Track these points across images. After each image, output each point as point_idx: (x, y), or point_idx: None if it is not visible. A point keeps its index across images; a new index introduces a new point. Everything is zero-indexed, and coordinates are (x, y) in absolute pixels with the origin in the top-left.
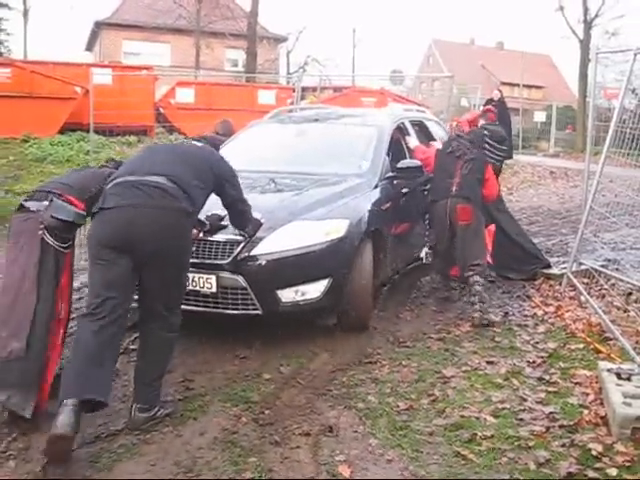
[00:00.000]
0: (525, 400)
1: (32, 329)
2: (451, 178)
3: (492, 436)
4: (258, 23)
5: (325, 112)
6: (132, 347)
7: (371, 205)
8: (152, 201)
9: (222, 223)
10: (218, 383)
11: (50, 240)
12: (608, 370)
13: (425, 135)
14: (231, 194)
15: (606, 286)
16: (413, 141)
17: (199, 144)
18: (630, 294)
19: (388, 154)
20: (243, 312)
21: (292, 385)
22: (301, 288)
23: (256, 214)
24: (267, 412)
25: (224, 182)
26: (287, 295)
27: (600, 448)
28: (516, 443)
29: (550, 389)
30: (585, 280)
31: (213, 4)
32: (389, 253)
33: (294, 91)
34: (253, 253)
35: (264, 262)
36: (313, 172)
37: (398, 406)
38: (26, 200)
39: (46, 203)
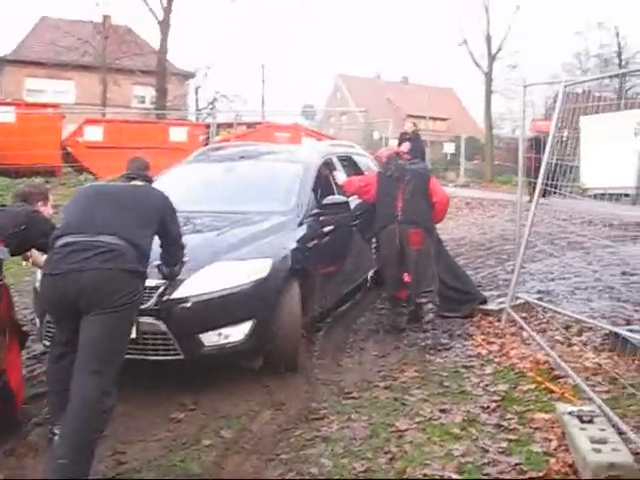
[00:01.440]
0: (487, 451)
1: None
2: (395, 202)
3: None
4: (166, 59)
5: (251, 149)
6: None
7: (296, 243)
8: (102, 263)
9: None
10: (153, 454)
11: None
12: (569, 413)
13: (354, 170)
14: (173, 231)
15: (545, 320)
16: (341, 176)
17: (139, 184)
18: (568, 327)
19: (314, 190)
20: (164, 358)
21: (236, 451)
22: (224, 331)
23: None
24: None
25: (167, 221)
26: (210, 339)
27: None
28: None
29: (510, 437)
30: (523, 314)
31: (119, 40)
32: (317, 290)
33: (207, 127)
34: (173, 296)
35: (185, 305)
36: (237, 210)
37: (354, 468)
38: None
39: None
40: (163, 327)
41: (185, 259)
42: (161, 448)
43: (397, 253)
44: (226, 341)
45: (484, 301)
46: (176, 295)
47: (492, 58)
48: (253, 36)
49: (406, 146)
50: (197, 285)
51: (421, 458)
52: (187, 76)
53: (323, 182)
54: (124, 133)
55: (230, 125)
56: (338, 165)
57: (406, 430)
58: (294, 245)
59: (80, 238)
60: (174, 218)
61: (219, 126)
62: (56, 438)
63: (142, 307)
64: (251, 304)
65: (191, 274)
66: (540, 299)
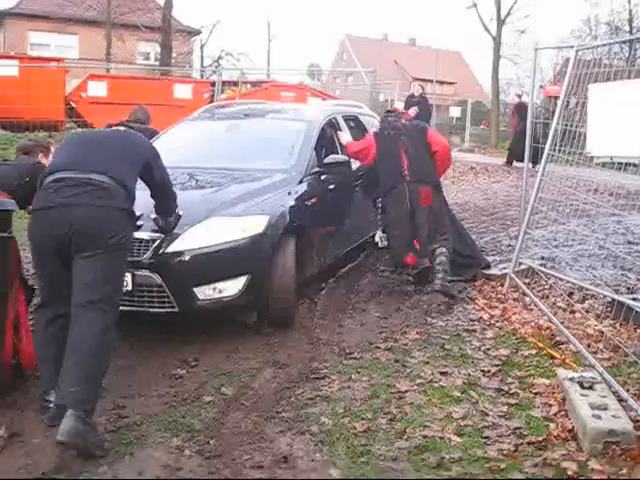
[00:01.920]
0: (487, 415)
1: None
2: (399, 161)
3: (461, 459)
4: (172, 15)
5: (256, 108)
6: None
7: (294, 200)
8: (94, 200)
9: (138, 222)
10: (154, 409)
11: None
12: (570, 379)
13: (361, 131)
14: (158, 177)
15: (547, 286)
16: (345, 136)
17: (122, 129)
18: (571, 294)
19: (316, 149)
20: (159, 310)
21: (236, 408)
22: (219, 285)
23: (178, 210)
24: (212, 442)
25: (153, 166)
26: (204, 292)
27: (574, 467)
28: (487, 465)
29: (511, 401)
30: (526, 280)
31: None
32: (315, 248)
33: (212, 85)
34: (169, 250)
35: (180, 259)
36: (238, 168)
37: (355, 428)
38: None
39: None
40: (158, 280)
41: (181, 213)
42: (162, 403)
43: (408, 214)
44: (220, 295)
45: (487, 266)
46: (171, 249)
47: (501, 22)
48: None
49: (414, 110)
50: (192, 239)
51: (421, 419)
52: (192, 33)
53: (327, 141)
54: (128, 89)
55: (235, 83)
56: (343, 125)
57: (406, 392)
58: (292, 202)
59: (71, 174)
60: (159, 163)
61: (224, 84)
62: (51, 406)
63: (138, 260)
64: (246, 259)
65: (186, 229)
66: (543, 265)
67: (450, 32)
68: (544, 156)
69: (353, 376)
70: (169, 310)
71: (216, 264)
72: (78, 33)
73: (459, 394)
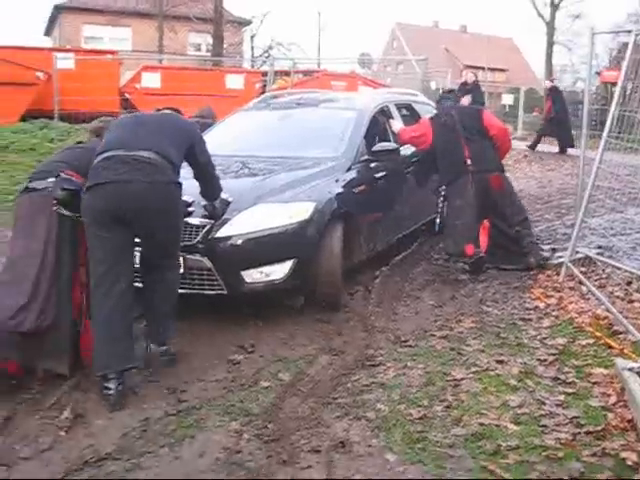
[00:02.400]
0: (544, 403)
1: (59, 300)
2: (460, 151)
3: (518, 447)
4: (223, 6)
5: (308, 97)
6: None
7: (341, 188)
8: (143, 176)
9: (189, 209)
10: (212, 393)
11: (65, 212)
12: (629, 369)
13: (414, 118)
14: (202, 158)
15: (604, 275)
16: (397, 124)
17: (168, 112)
18: (630, 283)
19: (367, 137)
20: (209, 292)
21: (293, 393)
22: (265, 269)
23: (225, 194)
24: (270, 426)
25: (196, 147)
26: (252, 276)
27: (634, 457)
28: (544, 454)
29: (568, 390)
30: (582, 269)
31: None
32: (364, 234)
33: (263, 75)
34: (218, 235)
35: (228, 244)
36: (288, 156)
37: (411, 414)
38: (30, 181)
39: (51, 180)
40: (208, 264)
41: (230, 200)
42: (220, 388)
43: (473, 204)
44: (267, 279)
45: (544, 259)
46: (220, 234)
47: (555, 7)
48: None
49: (467, 98)
50: (240, 225)
51: (477, 407)
52: (243, 23)
53: (378, 129)
54: (181, 80)
55: (287, 73)
56: (396, 113)
57: (462, 379)
58: (339, 190)
59: (120, 152)
60: (202, 145)
61: (276, 74)
62: (111, 393)
63: (189, 244)
64: (292, 244)
65: (235, 215)
66: (600, 254)
67: (502, 18)
68: (601, 143)
69: (408, 363)
70: (218, 292)
71: (263, 248)
72: (131, 25)
73: (515, 382)
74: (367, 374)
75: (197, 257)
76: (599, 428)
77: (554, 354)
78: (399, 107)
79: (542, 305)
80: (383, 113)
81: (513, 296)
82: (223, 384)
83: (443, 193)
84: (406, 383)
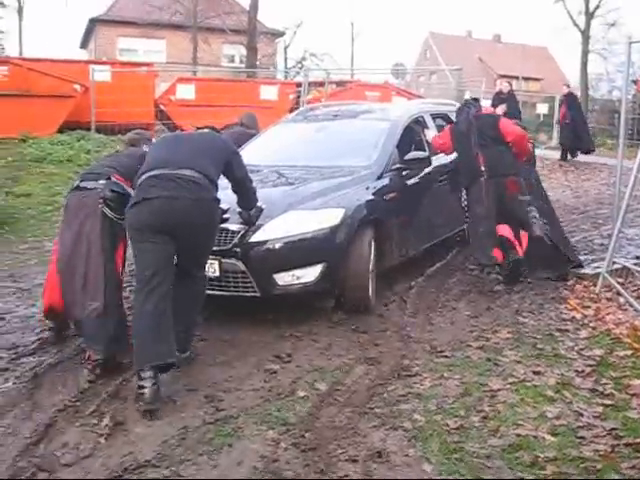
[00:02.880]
0: (582, 415)
1: (105, 290)
2: (474, 155)
3: (555, 458)
4: (257, 18)
5: (345, 109)
6: None
7: (372, 195)
8: (189, 193)
9: (225, 216)
10: (249, 402)
11: (109, 212)
12: None
13: None
14: (238, 174)
15: None
16: (431, 134)
17: (207, 131)
18: None
19: (399, 147)
20: (243, 294)
21: (330, 403)
22: (296, 272)
23: (259, 202)
24: (307, 435)
25: (233, 164)
26: (283, 278)
27: None
28: (582, 466)
29: (606, 402)
30: (619, 280)
31: None
32: (395, 240)
33: (297, 86)
34: (251, 240)
35: (261, 248)
36: (322, 165)
37: (448, 425)
38: (81, 181)
39: (102, 182)
40: (242, 267)
41: (263, 207)
42: (257, 397)
43: (489, 210)
44: (298, 281)
45: (580, 265)
46: (254, 239)
47: (590, 15)
48: None
49: (502, 108)
50: (272, 230)
51: (514, 418)
52: (276, 35)
53: (412, 139)
54: (215, 91)
55: (321, 84)
56: (431, 123)
57: (499, 390)
58: (369, 197)
59: (164, 171)
60: (238, 161)
61: (309, 84)
62: (146, 392)
63: (224, 248)
64: (322, 249)
65: (268, 221)
66: (637, 265)
67: (536, 27)
68: (639, 153)
69: (445, 374)
70: (251, 294)
71: (294, 253)
72: (165, 37)
73: (552, 394)
74: (403, 384)
75: (232, 261)
76: (638, 440)
77: (591, 365)
78: (435, 117)
79: (579, 316)
80: (418, 123)
81: (549, 307)
82: (260, 393)
83: (465, 202)
84: (442, 393)
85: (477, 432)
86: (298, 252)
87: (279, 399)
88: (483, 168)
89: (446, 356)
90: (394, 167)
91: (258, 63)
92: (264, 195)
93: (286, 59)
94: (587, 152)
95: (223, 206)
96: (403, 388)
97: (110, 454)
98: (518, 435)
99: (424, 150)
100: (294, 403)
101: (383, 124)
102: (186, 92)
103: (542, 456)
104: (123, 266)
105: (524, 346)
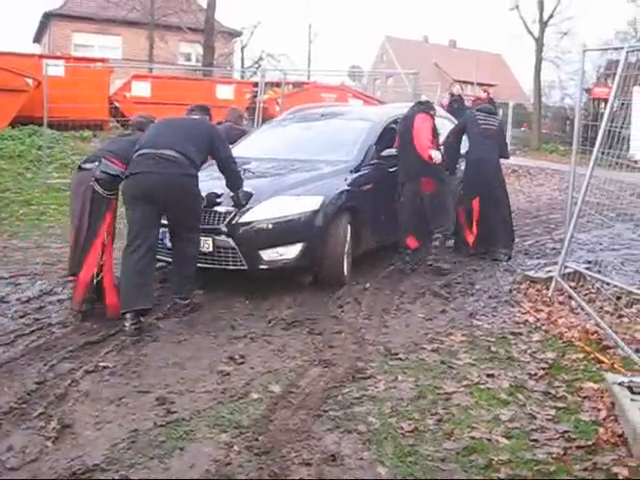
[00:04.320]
0: (535, 418)
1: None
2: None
3: (509, 461)
4: (214, 17)
5: (330, 110)
6: (102, 364)
7: (349, 185)
8: (166, 169)
9: (218, 200)
10: (202, 405)
11: (99, 189)
12: (619, 384)
13: None
14: (222, 154)
15: (593, 290)
16: None
17: (196, 117)
18: (619, 298)
19: (377, 144)
20: (233, 267)
21: (284, 406)
22: (279, 249)
23: (247, 188)
24: (261, 438)
25: (216, 145)
26: (268, 254)
27: (626, 472)
28: (535, 468)
29: (559, 404)
30: (572, 284)
31: None
32: (371, 225)
33: (254, 86)
34: (241, 220)
35: (250, 228)
36: (307, 159)
37: (402, 428)
38: (83, 163)
39: (96, 163)
40: (232, 244)
41: (252, 192)
42: (210, 400)
43: (411, 201)
44: (281, 258)
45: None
46: (243, 219)
47: (544, 24)
48: None
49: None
50: (260, 213)
51: (468, 421)
52: (233, 34)
53: (391, 138)
54: (171, 89)
55: (277, 84)
56: None
57: (453, 393)
58: (346, 187)
59: (149, 150)
60: (222, 142)
61: (266, 85)
62: (126, 328)
63: (217, 227)
64: (302, 230)
65: (255, 204)
66: (589, 269)
67: (491, 34)
68: (592, 158)
69: (399, 377)
70: (240, 268)
71: (278, 233)
72: (121, 34)
73: (506, 396)
74: (358, 387)
75: (223, 238)
76: (590, 443)
77: (544, 368)
78: None
79: (532, 319)
80: (397, 124)
81: (503, 310)
82: (213, 395)
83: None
84: (397, 396)
85: (431, 435)
86: (281, 232)
87: (232, 401)
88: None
89: (400, 359)
90: (371, 162)
91: (215, 62)
92: (254, 183)
93: (243, 59)
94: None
95: (217, 191)
96: (358, 391)
97: (58, 458)
98: (472, 438)
99: None
100: (247, 406)
101: (364, 124)
102: (141, 89)
103: (496, 459)
104: (111, 234)
105: (478, 349)
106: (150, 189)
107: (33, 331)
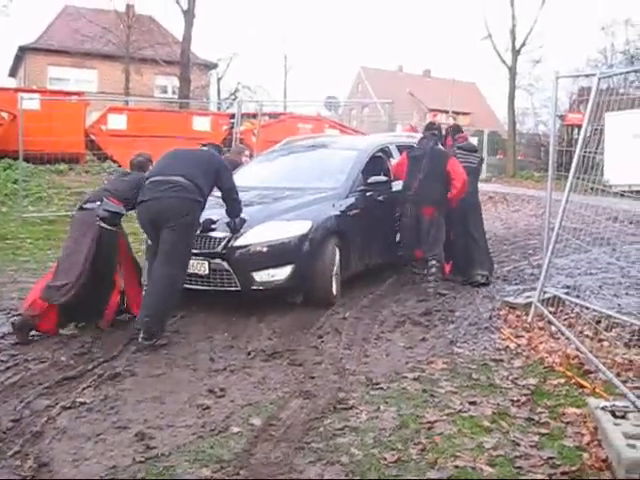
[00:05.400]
0: (518, 445)
1: (102, 282)
2: (414, 181)
3: None
4: (190, 49)
5: (320, 140)
6: (80, 400)
7: (338, 211)
8: (173, 193)
9: (213, 226)
10: (182, 440)
11: (105, 225)
12: (602, 408)
13: None
14: (227, 184)
15: (572, 314)
16: (393, 162)
17: (204, 149)
18: (599, 322)
19: (365, 172)
20: (227, 289)
21: (265, 439)
22: (271, 271)
23: (242, 215)
24: (242, 472)
25: (222, 175)
26: (260, 276)
27: None
28: None
29: (542, 430)
30: (551, 309)
31: (142, 29)
32: (358, 249)
33: (230, 117)
34: (235, 244)
35: (242, 251)
36: (297, 187)
37: (385, 458)
38: (84, 203)
39: (98, 203)
40: (227, 266)
41: (247, 218)
42: (190, 434)
43: (413, 221)
44: (272, 279)
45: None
46: (237, 244)
47: (516, 52)
48: (275, 27)
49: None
50: (252, 237)
51: (452, 450)
52: (209, 66)
53: (377, 165)
54: (147, 121)
55: (254, 115)
56: (396, 153)
57: (436, 422)
58: (334, 212)
59: (159, 178)
60: (227, 173)
61: (242, 116)
62: (139, 339)
63: (213, 251)
64: (292, 253)
65: (248, 229)
66: (567, 294)
67: (465, 63)
68: (567, 184)
69: (381, 406)
70: (234, 289)
71: (269, 255)
72: (97, 68)
73: (489, 424)
74: (339, 418)
75: (219, 261)
76: (574, 468)
77: (526, 394)
78: (400, 148)
79: (512, 345)
80: (384, 152)
81: (483, 337)
82: (193, 430)
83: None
84: (379, 426)
85: (415, 465)
86: (273, 255)
87: (212, 435)
88: (413, 192)
89: (382, 388)
90: (358, 189)
91: (191, 94)
92: (248, 210)
93: (219, 91)
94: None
95: (213, 217)
96: (340, 422)
97: None
98: (456, 467)
99: (388, 176)
100: (228, 439)
101: (351, 153)
102: (117, 122)
103: None
104: (131, 257)
105: (459, 377)
106: (157, 213)
107: (9, 367)
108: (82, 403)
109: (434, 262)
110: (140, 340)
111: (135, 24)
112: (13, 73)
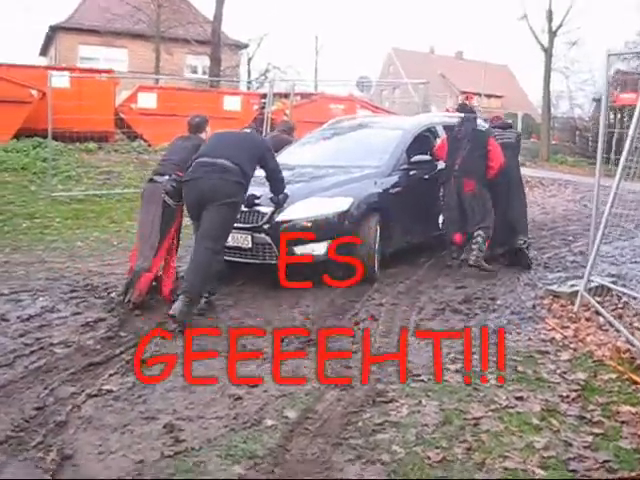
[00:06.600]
0: (571, 445)
1: (156, 252)
2: (457, 159)
3: None
4: (221, 29)
5: (367, 120)
6: (106, 388)
7: (380, 188)
8: (216, 175)
9: (256, 201)
10: (213, 433)
11: (168, 200)
12: None
13: None
14: (271, 165)
15: (620, 305)
16: (437, 142)
17: (248, 131)
18: None
19: (408, 151)
20: (270, 262)
21: (300, 433)
22: (311, 246)
23: (285, 191)
24: (276, 470)
25: (266, 157)
26: (301, 250)
27: None
28: None
29: (595, 430)
30: (597, 299)
31: (173, 9)
32: (399, 227)
33: (261, 97)
34: (277, 219)
35: (285, 226)
36: (341, 165)
37: (429, 457)
38: (154, 175)
39: (166, 177)
40: (269, 240)
41: (289, 194)
42: (221, 427)
43: (455, 200)
44: (312, 253)
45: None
46: (279, 218)
47: (553, 34)
48: (307, 6)
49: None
50: (294, 212)
51: (500, 449)
52: (240, 47)
53: (422, 145)
54: (177, 100)
55: (286, 95)
56: (442, 132)
57: (481, 418)
58: (376, 190)
59: (205, 159)
60: (271, 155)
61: (274, 96)
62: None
63: (257, 226)
64: (332, 229)
65: (290, 205)
66: (614, 282)
67: (498, 45)
68: (619, 168)
69: (422, 400)
70: (276, 262)
71: (310, 230)
72: (127, 47)
73: (538, 421)
74: (379, 411)
75: (262, 235)
76: (634, 474)
77: (576, 390)
78: (447, 127)
79: (558, 336)
80: (431, 132)
81: (527, 327)
82: (224, 422)
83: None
84: (421, 422)
85: (461, 466)
86: (313, 230)
87: (245, 429)
88: (457, 167)
89: (423, 380)
90: (402, 167)
91: (221, 74)
92: (291, 187)
93: (249, 71)
94: None
95: (256, 193)
96: (379, 416)
97: None
98: (506, 469)
99: (433, 155)
100: (261, 433)
101: (396, 132)
102: (147, 100)
103: None
104: (177, 237)
105: (505, 369)
106: (202, 192)
107: (33, 351)
108: (108, 391)
109: (480, 232)
110: (176, 308)
111: (165, 3)
112: (44, 52)
